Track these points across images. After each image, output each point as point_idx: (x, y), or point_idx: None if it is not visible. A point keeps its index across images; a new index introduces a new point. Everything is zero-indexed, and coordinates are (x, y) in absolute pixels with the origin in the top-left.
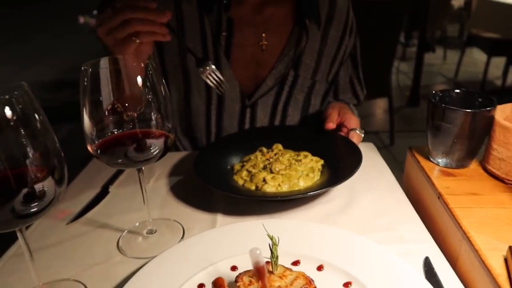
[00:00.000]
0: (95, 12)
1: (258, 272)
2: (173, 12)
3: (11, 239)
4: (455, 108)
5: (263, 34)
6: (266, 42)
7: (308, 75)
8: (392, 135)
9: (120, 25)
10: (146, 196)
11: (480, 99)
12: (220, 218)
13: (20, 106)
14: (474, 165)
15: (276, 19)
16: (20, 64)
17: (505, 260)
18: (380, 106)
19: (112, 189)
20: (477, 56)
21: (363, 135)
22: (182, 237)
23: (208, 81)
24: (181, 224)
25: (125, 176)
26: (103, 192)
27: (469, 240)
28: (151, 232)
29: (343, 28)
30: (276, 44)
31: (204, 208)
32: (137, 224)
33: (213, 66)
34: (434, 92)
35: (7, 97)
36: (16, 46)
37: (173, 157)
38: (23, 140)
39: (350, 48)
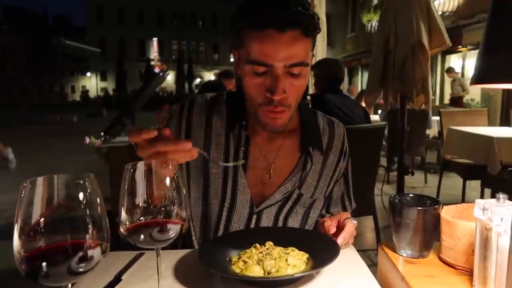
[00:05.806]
0: (102, 133)
1: None
2: (204, 122)
3: None
4: (410, 206)
5: (272, 165)
6: (274, 171)
7: (309, 193)
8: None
9: (154, 154)
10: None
11: (429, 201)
12: None
13: (89, 191)
14: (431, 256)
15: (284, 148)
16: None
17: None
18: (367, 225)
19: (124, 277)
20: (455, 180)
21: (355, 222)
22: None
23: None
24: None
25: (137, 267)
26: (116, 280)
27: None
28: None
29: (339, 153)
30: (283, 169)
31: None
32: None
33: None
34: (393, 195)
35: (81, 181)
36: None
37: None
38: (87, 218)
39: (343, 169)
